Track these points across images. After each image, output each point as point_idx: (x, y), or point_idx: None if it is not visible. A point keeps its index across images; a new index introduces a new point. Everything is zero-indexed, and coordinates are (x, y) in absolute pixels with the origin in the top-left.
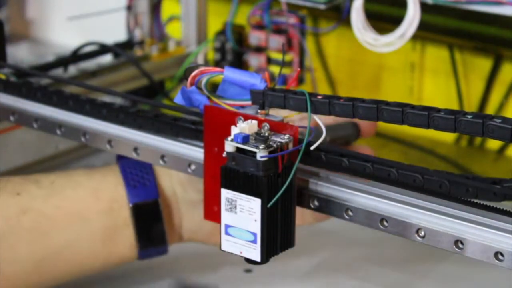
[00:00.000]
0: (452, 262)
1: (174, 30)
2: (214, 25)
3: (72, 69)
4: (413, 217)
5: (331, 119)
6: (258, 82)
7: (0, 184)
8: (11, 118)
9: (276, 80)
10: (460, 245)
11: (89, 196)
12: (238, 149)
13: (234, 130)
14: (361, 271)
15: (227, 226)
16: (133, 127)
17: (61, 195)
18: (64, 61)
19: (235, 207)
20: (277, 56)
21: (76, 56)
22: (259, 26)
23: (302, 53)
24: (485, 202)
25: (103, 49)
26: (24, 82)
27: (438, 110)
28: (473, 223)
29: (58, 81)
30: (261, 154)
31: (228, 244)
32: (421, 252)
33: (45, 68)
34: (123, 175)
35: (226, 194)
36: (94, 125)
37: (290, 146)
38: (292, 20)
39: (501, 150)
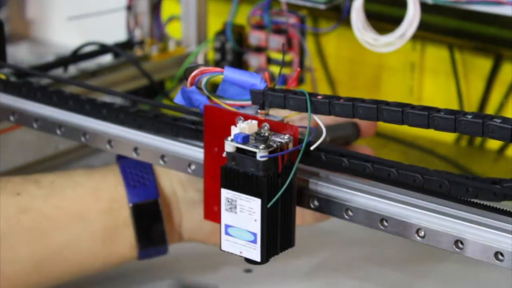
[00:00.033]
0: (452, 262)
1: (174, 30)
2: (214, 25)
3: (72, 69)
4: (413, 217)
5: (331, 119)
6: (258, 82)
7: (0, 184)
8: (11, 118)
9: (276, 80)
10: (460, 245)
11: (89, 196)
12: (238, 149)
13: (234, 130)
14: (361, 271)
15: (227, 226)
16: (133, 127)
17: (61, 195)
18: (64, 61)
19: (235, 207)
20: (277, 56)
21: (76, 56)
22: (259, 26)
23: (302, 53)
24: (485, 202)
25: (103, 49)
26: (24, 82)
27: (438, 110)
28: (473, 223)
29: (58, 81)
30: (261, 154)
31: (228, 244)
32: (421, 252)
33: (45, 68)
34: (123, 175)
35: (226, 194)
36: (94, 125)
37: (290, 146)
38: (292, 20)
39: (501, 150)
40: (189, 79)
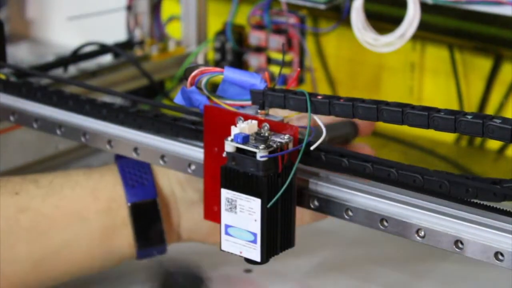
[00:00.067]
0: (452, 262)
1: (174, 30)
2: (214, 25)
3: (72, 69)
4: (413, 217)
5: (329, 118)
6: (258, 82)
7: None
8: (11, 118)
9: (276, 80)
10: (460, 245)
11: (87, 196)
12: (238, 149)
13: (234, 130)
14: (361, 271)
15: (227, 226)
16: (133, 127)
17: (60, 194)
18: (64, 61)
19: (235, 207)
20: (277, 56)
21: (76, 56)
22: (259, 26)
23: (302, 53)
24: (485, 202)
25: (103, 49)
26: (24, 82)
27: (438, 110)
28: (473, 223)
29: (58, 81)
30: (261, 154)
31: (228, 244)
32: (421, 252)
33: (45, 68)
34: (122, 175)
35: (226, 194)
36: (94, 125)
37: (290, 146)
38: (292, 20)
39: (501, 150)
40: (189, 79)
